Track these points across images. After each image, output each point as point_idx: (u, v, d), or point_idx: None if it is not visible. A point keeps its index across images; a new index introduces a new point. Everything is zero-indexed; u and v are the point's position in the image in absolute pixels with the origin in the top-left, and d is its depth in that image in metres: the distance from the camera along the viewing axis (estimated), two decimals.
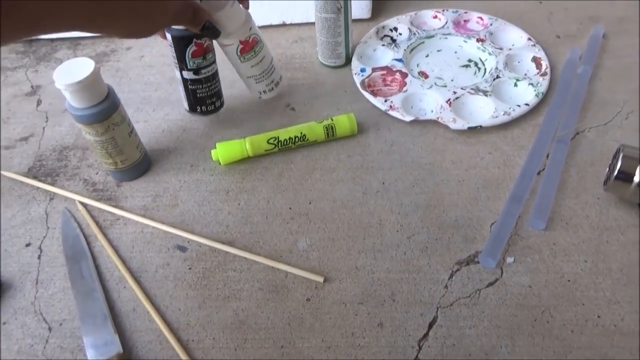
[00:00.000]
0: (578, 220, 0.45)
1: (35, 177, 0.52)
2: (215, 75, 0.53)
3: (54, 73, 0.43)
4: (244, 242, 0.45)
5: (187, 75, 0.51)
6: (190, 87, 0.52)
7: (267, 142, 0.51)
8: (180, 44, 0.49)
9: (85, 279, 0.42)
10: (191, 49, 0.49)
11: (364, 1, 0.67)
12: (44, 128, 0.58)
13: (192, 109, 0.55)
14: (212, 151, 0.51)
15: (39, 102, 0.61)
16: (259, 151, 0.51)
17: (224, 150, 0.50)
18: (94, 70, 0.43)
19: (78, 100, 0.44)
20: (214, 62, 0.52)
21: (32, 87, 0.63)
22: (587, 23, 0.65)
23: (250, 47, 0.51)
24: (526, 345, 0.37)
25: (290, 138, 0.51)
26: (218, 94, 0.54)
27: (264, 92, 0.55)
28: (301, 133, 0.51)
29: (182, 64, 0.50)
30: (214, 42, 0.49)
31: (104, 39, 0.70)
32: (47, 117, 0.59)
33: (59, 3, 0.31)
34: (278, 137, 0.51)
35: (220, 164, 0.51)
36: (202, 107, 0.54)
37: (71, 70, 0.43)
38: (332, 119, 0.52)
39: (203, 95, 0.53)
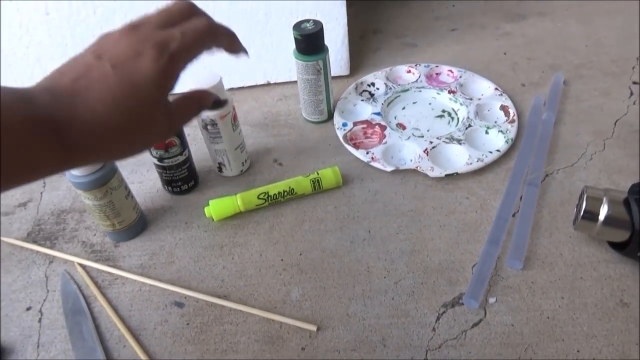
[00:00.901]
0: (553, 258, 0.47)
1: (34, 242, 0.53)
2: (181, 165, 0.55)
3: None
4: (239, 295, 0.47)
5: (153, 159, 0.55)
6: (157, 169, 0.56)
7: (258, 197, 0.54)
8: None
9: (85, 340, 0.44)
10: None
11: (342, 59, 0.72)
12: (41, 193, 0.60)
13: (163, 185, 0.58)
14: (206, 208, 0.54)
15: None
16: (250, 206, 0.54)
17: (216, 207, 0.53)
18: None
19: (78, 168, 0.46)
20: (181, 154, 0.54)
21: None
22: (549, 71, 0.71)
23: (235, 114, 0.55)
24: None
25: (279, 192, 0.54)
26: (185, 179, 0.57)
27: (246, 160, 0.59)
28: (289, 187, 0.54)
29: (149, 150, 0.53)
30: (201, 120, 0.53)
31: None
32: (44, 182, 0.61)
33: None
34: (268, 192, 0.54)
35: (213, 220, 0.53)
36: (169, 188, 0.57)
37: None
38: (318, 173, 0.55)
39: (168, 179, 0.56)
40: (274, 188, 0.54)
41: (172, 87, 0.32)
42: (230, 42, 0.37)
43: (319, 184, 0.55)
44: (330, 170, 0.56)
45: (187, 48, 0.32)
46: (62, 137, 0.27)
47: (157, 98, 0.31)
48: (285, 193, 0.54)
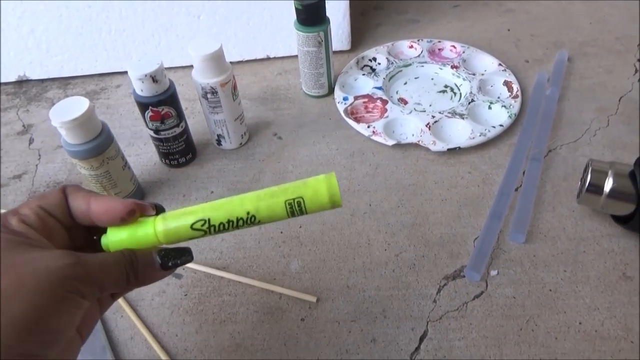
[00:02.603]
0: (555, 232, 0.47)
1: None
2: (178, 137, 0.54)
3: (50, 112, 0.44)
4: (237, 267, 0.46)
5: (149, 132, 0.53)
6: (154, 141, 0.55)
7: (192, 227, 0.30)
8: (140, 107, 0.51)
9: None
10: (148, 113, 0.51)
11: (343, 34, 0.71)
12: (36, 165, 0.59)
13: (160, 158, 0.57)
14: (103, 237, 0.30)
15: (31, 141, 0.62)
16: (178, 238, 0.30)
17: (116, 239, 0.30)
18: (89, 107, 0.45)
19: (73, 137, 0.45)
20: (177, 126, 0.53)
21: (23, 126, 0.65)
22: (552, 48, 0.70)
23: (235, 83, 0.53)
24: (513, 353, 0.39)
25: (229, 222, 0.29)
26: (183, 152, 0.56)
27: (245, 133, 0.58)
28: (248, 214, 0.29)
29: (144, 121, 0.52)
30: (201, 88, 0.52)
31: (94, 77, 0.72)
32: (39, 155, 0.60)
33: None
34: (209, 220, 0.29)
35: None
36: (167, 161, 0.56)
37: (66, 108, 0.45)
38: (301, 196, 0.29)
39: (165, 152, 0.55)
40: (221, 211, 0.29)
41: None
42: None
43: (299, 208, 0.29)
44: (324, 181, 0.29)
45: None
46: None
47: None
48: (241, 222, 0.30)
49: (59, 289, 0.24)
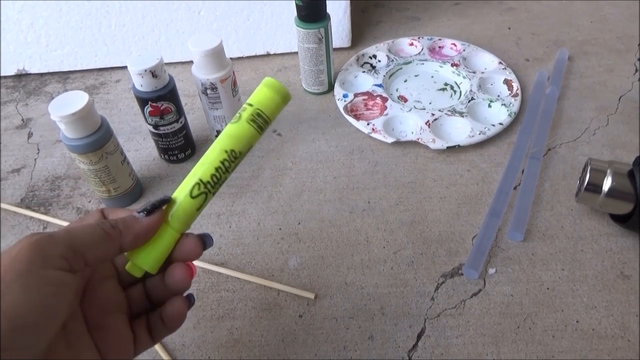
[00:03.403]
0: (554, 231, 0.47)
1: (28, 207, 0.53)
2: (177, 133, 0.54)
3: (49, 106, 0.44)
4: (236, 263, 0.46)
5: (148, 127, 0.53)
6: (153, 136, 0.55)
7: (192, 196, 0.30)
8: (139, 102, 0.51)
9: None
10: (148, 108, 0.51)
11: (344, 31, 0.71)
12: (35, 159, 0.59)
13: (159, 154, 0.57)
14: (128, 267, 0.30)
15: (30, 135, 0.62)
16: (190, 217, 0.31)
17: (146, 256, 0.30)
18: (88, 102, 0.45)
19: (73, 131, 0.45)
20: (177, 121, 0.53)
21: (22, 120, 0.65)
22: (553, 47, 0.70)
23: (235, 79, 0.53)
24: (510, 351, 0.39)
25: (218, 169, 0.31)
26: (182, 148, 0.56)
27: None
28: (228, 151, 0.31)
29: (144, 117, 0.52)
30: (201, 84, 0.52)
31: (93, 72, 0.72)
32: (38, 149, 0.60)
33: None
34: (201, 180, 0.31)
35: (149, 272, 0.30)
36: (166, 156, 0.56)
37: (65, 102, 0.45)
38: (249, 104, 0.32)
39: (164, 147, 0.55)
40: (206, 166, 0.31)
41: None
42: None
43: (260, 118, 0.32)
44: (264, 84, 0.32)
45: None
46: None
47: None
48: (227, 162, 0.31)
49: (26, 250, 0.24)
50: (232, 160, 0.31)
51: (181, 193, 0.31)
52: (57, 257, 0.24)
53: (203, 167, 0.31)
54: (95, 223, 0.27)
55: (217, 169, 0.31)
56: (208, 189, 0.31)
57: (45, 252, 0.24)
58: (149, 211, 0.29)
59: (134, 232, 0.28)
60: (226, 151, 0.31)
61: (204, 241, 0.31)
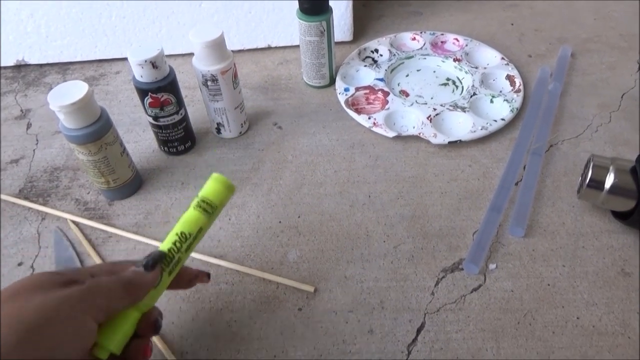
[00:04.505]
0: (555, 227, 0.47)
1: (26, 198, 0.52)
2: (177, 125, 0.53)
3: (48, 96, 0.44)
4: (235, 256, 0.46)
5: (148, 119, 0.53)
6: (153, 128, 0.54)
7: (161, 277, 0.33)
8: (139, 93, 0.51)
9: None
10: (148, 99, 0.51)
11: (345, 24, 0.70)
12: (34, 150, 0.58)
13: (159, 146, 0.57)
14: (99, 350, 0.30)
15: (29, 125, 0.62)
16: (156, 297, 0.33)
17: (112, 339, 0.30)
18: (87, 92, 0.44)
19: (72, 121, 0.45)
20: (177, 113, 0.53)
21: (21, 111, 0.64)
22: (556, 43, 0.69)
23: (236, 71, 0.53)
24: (510, 347, 0.39)
25: (170, 251, 0.34)
26: (182, 140, 0.55)
27: (245, 122, 0.57)
28: (176, 234, 0.34)
29: (144, 108, 0.52)
30: (201, 75, 0.51)
31: (93, 63, 0.72)
32: (37, 140, 0.60)
33: None
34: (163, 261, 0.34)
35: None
36: (165, 148, 0.56)
37: (65, 92, 0.44)
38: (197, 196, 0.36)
39: (164, 139, 0.55)
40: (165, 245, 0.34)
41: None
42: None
43: (207, 204, 0.35)
44: (212, 182, 0.36)
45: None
46: None
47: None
48: (179, 244, 0.34)
49: (66, 305, 0.27)
50: (183, 240, 0.34)
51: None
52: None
53: (164, 247, 0.34)
54: (119, 283, 0.30)
55: (169, 250, 0.34)
56: (163, 268, 0.33)
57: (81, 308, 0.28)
58: (151, 266, 0.32)
59: (145, 288, 0.31)
60: (177, 234, 0.34)
61: (157, 325, 0.33)
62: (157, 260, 0.33)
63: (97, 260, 0.46)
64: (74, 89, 0.45)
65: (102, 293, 0.29)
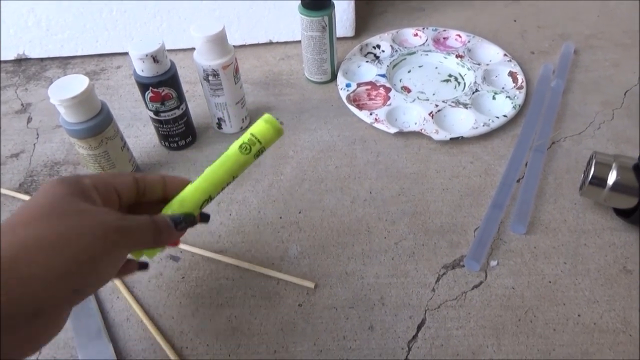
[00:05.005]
0: (557, 224, 0.47)
1: (26, 192, 0.52)
2: (178, 119, 0.53)
3: (49, 90, 0.44)
4: (235, 251, 0.46)
5: (149, 113, 0.53)
6: (153, 123, 0.54)
7: (200, 208, 0.36)
8: (140, 87, 0.51)
9: None
10: (149, 94, 0.50)
11: (348, 20, 0.70)
12: (34, 144, 0.58)
13: (160, 141, 0.56)
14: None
15: (29, 120, 0.62)
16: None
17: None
18: (88, 86, 0.44)
19: (72, 115, 0.45)
20: (178, 108, 0.52)
21: (22, 105, 0.64)
22: (558, 40, 0.69)
23: (237, 66, 0.53)
24: (511, 344, 0.39)
25: (222, 190, 0.36)
26: (182, 135, 0.55)
27: (246, 117, 0.57)
28: (233, 177, 0.36)
29: (144, 102, 0.52)
30: (202, 70, 0.51)
31: (94, 57, 0.71)
32: (37, 134, 0.59)
33: None
34: (210, 197, 0.36)
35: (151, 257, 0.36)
36: (166, 143, 0.56)
37: (65, 86, 0.44)
38: (249, 133, 0.36)
39: (165, 134, 0.54)
40: (215, 186, 0.36)
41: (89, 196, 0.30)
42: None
43: (254, 144, 0.36)
44: (262, 121, 0.36)
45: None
46: None
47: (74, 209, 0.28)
48: (227, 185, 0.36)
49: (109, 238, 0.28)
50: (208, 201, 0.36)
51: (190, 202, 0.35)
52: (122, 242, 0.30)
53: (214, 185, 0.36)
54: (151, 223, 0.32)
55: (222, 189, 0.36)
56: (210, 198, 0.36)
57: (119, 236, 0.29)
58: (182, 229, 0.33)
59: (166, 239, 0.33)
60: (233, 177, 0.36)
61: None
62: (188, 226, 0.34)
63: None
64: (75, 83, 0.44)
65: (137, 235, 0.31)
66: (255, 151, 0.36)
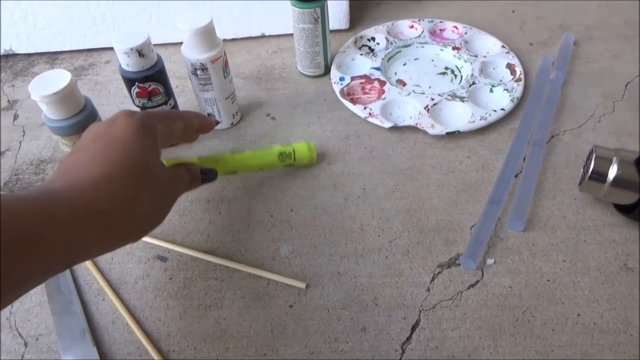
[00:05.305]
0: (555, 220, 0.45)
1: (11, 191, 0.51)
2: None
3: (30, 85, 0.43)
4: (225, 251, 0.45)
5: (136, 109, 0.51)
6: None
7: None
8: (126, 83, 0.49)
9: (62, 293, 0.41)
10: (135, 89, 0.49)
11: (341, 12, 0.68)
12: (20, 142, 0.57)
13: None
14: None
15: (15, 117, 0.60)
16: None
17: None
18: (70, 81, 0.43)
19: (55, 112, 0.43)
20: (165, 103, 0.51)
21: (8, 101, 0.63)
22: (558, 31, 0.67)
23: (226, 60, 0.51)
24: (508, 345, 0.37)
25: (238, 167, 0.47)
26: None
27: (237, 112, 0.56)
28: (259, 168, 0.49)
29: (131, 98, 0.50)
30: (191, 64, 0.49)
31: (82, 52, 0.70)
32: (23, 131, 0.58)
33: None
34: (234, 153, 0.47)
35: None
36: None
37: (47, 82, 0.43)
38: (292, 148, 0.49)
39: None
40: (230, 162, 0.47)
41: (153, 145, 0.36)
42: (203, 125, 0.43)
43: (291, 157, 0.48)
44: (305, 145, 0.49)
45: (156, 116, 0.38)
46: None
47: (141, 150, 0.34)
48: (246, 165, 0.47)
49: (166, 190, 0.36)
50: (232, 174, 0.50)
51: (223, 165, 0.46)
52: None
53: (245, 166, 0.48)
54: (188, 171, 0.41)
55: (242, 172, 0.50)
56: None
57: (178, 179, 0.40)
58: (206, 180, 0.43)
59: (189, 183, 0.41)
60: (258, 169, 0.50)
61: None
62: (210, 179, 0.43)
63: None
64: (57, 78, 0.43)
65: (183, 182, 0.39)
66: (286, 163, 0.48)
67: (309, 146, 0.49)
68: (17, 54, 0.70)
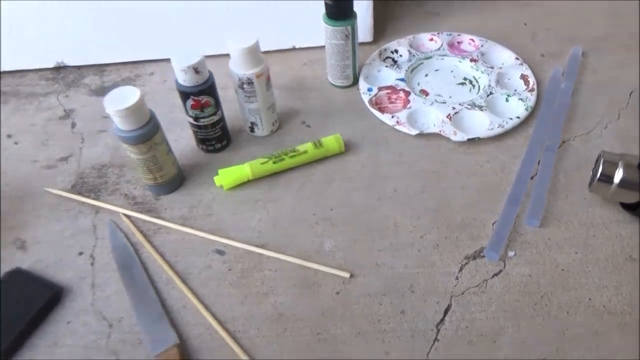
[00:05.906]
0: (568, 218, 0.51)
1: (79, 193, 0.57)
2: (215, 124, 0.58)
3: (104, 101, 0.48)
4: (275, 245, 0.50)
5: (189, 119, 0.57)
6: (192, 127, 0.59)
7: (261, 163, 0.56)
8: (182, 96, 0.55)
9: (137, 282, 0.47)
10: (189, 102, 0.55)
11: (366, 26, 0.74)
12: (80, 148, 0.63)
13: (197, 144, 0.61)
14: (215, 178, 0.56)
15: (73, 125, 0.66)
16: (259, 173, 0.56)
17: (225, 177, 0.56)
18: (140, 97, 0.49)
19: (126, 124, 0.49)
20: (215, 114, 0.57)
21: (65, 111, 0.68)
22: (567, 43, 0.73)
23: (269, 74, 0.57)
24: (529, 325, 0.43)
25: (281, 151, 0.57)
26: (219, 138, 0.60)
27: (276, 121, 0.62)
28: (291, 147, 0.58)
29: (185, 109, 0.56)
30: (238, 79, 0.55)
31: (127, 65, 0.76)
32: (82, 139, 0.64)
33: None
34: (272, 154, 0.57)
35: (223, 189, 0.56)
36: (203, 146, 0.60)
37: (118, 97, 0.49)
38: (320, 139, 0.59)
39: (202, 138, 0.59)
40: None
41: None
42: None
43: (319, 143, 0.58)
44: (333, 137, 0.58)
45: None
46: None
47: None
48: (288, 152, 0.57)
49: None
50: (292, 151, 0.58)
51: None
52: None
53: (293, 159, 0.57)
54: None
55: (281, 151, 0.58)
56: (270, 157, 0.57)
57: None
58: None
59: None
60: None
61: None
62: None
63: (151, 251, 0.50)
64: (127, 94, 0.49)
65: None
66: (318, 149, 0.58)
67: (335, 137, 0.59)
68: (68, 66, 0.76)
